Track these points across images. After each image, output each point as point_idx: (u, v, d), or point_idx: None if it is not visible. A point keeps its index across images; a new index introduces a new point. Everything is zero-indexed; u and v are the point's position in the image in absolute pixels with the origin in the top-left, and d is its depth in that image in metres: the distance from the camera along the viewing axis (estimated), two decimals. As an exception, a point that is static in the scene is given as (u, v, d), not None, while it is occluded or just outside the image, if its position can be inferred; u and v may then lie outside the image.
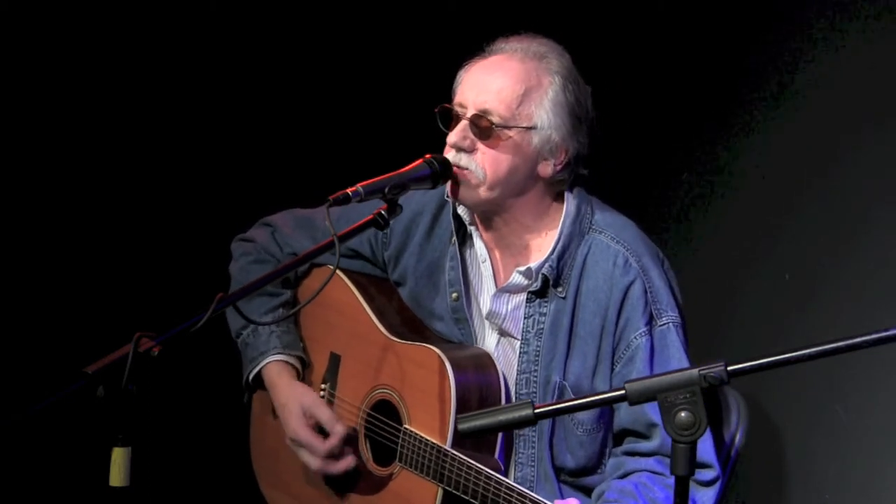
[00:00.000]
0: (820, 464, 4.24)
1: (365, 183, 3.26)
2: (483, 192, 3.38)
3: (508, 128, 3.35)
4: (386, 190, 3.26)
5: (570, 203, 3.45)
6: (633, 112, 4.45)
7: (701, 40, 4.52)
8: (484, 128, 3.35)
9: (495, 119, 3.34)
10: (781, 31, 4.36)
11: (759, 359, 2.42)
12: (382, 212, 3.26)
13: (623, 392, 2.44)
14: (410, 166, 3.35)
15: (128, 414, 2.78)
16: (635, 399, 2.43)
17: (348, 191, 3.23)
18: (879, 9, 4.15)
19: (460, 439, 3.35)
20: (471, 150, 3.37)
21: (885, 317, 4.02)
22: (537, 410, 2.50)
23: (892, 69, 4.13)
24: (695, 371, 2.40)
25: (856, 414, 4.16)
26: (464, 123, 3.37)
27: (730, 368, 2.40)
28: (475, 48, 3.50)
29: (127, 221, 4.85)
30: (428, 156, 3.37)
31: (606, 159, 3.54)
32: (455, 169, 3.38)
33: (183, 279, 4.73)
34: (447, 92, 3.47)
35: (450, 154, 3.39)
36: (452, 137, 3.38)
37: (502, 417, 2.53)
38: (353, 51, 4.95)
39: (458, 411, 3.34)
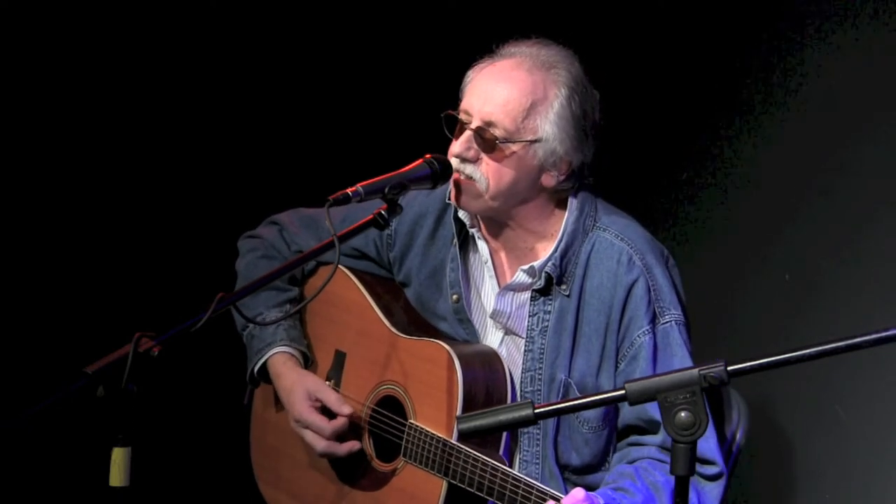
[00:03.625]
0: (820, 464, 4.24)
1: (365, 183, 3.26)
2: (485, 202, 3.40)
3: (512, 141, 3.35)
4: (386, 190, 3.27)
5: (573, 204, 3.46)
6: (632, 112, 4.44)
7: (701, 40, 4.51)
8: (488, 140, 3.35)
9: (499, 132, 3.34)
10: (781, 31, 4.36)
11: (759, 359, 2.42)
12: (382, 212, 3.27)
13: (623, 392, 2.45)
14: (410, 166, 3.35)
15: (128, 414, 2.78)
16: (635, 399, 2.44)
17: (348, 191, 3.23)
18: (880, 8, 4.15)
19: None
20: (474, 160, 3.37)
21: (885, 317, 4.02)
22: (537, 410, 2.50)
23: (893, 69, 4.12)
24: (695, 371, 2.40)
25: (856, 414, 4.16)
26: (468, 134, 3.37)
27: (730, 368, 2.40)
28: (475, 48, 3.49)
29: (127, 221, 4.85)
30: (428, 156, 3.38)
31: (606, 159, 3.54)
32: (457, 176, 3.39)
33: (183, 279, 4.73)
34: (447, 92, 3.47)
35: (452, 162, 3.39)
36: (456, 148, 3.39)
37: (502, 417, 2.53)
38: (353, 51, 4.95)
39: (464, 406, 3.36)
